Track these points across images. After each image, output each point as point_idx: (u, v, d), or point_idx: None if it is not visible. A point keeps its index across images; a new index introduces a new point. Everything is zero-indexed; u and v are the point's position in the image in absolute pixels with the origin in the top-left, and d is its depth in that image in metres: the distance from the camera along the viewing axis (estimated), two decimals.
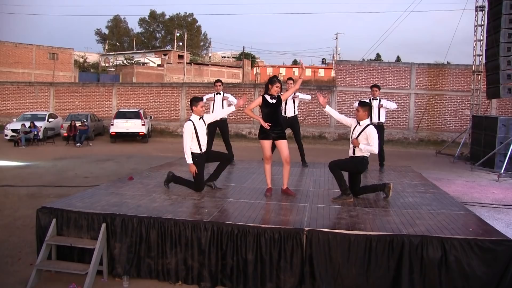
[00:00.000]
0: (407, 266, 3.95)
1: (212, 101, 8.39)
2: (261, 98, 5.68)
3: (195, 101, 5.79)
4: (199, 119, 5.80)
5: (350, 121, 5.71)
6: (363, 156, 5.45)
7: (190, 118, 5.79)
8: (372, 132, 5.36)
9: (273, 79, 5.69)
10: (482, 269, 3.88)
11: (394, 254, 3.99)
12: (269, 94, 5.64)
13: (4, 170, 11.16)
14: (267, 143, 5.67)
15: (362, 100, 6.48)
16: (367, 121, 5.51)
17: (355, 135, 5.47)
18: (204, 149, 5.81)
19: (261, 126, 5.62)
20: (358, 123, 5.52)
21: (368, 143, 5.35)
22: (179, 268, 4.36)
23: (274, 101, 5.63)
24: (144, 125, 18.79)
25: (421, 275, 3.95)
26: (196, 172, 5.71)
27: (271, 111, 5.63)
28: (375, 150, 5.38)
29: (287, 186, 5.75)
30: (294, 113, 8.34)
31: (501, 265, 3.86)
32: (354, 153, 5.51)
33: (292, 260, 4.11)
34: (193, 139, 5.70)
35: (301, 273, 4.10)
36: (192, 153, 5.70)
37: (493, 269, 3.87)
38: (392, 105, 8.54)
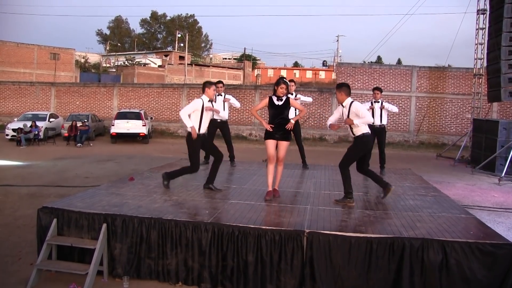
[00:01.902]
0: (407, 269, 3.95)
1: (214, 102, 8.39)
2: (267, 99, 5.71)
3: (208, 83, 6.05)
4: (209, 101, 5.95)
5: (337, 113, 5.75)
6: (363, 133, 5.49)
7: (201, 97, 5.94)
8: (358, 106, 5.49)
9: (278, 81, 5.71)
10: (482, 273, 3.87)
11: (394, 257, 3.99)
12: (276, 96, 5.66)
13: (5, 169, 11.18)
14: (271, 143, 5.67)
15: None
16: (349, 99, 5.57)
17: (345, 116, 5.58)
18: (202, 131, 5.92)
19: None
20: (342, 105, 5.60)
21: (359, 117, 5.41)
22: (180, 269, 4.36)
23: (280, 102, 5.62)
24: (144, 125, 18.80)
25: (422, 278, 3.94)
26: (193, 148, 5.78)
27: (276, 112, 5.63)
28: (369, 119, 5.52)
29: (277, 187, 5.77)
30: (295, 115, 8.32)
31: (502, 269, 3.86)
32: (353, 133, 5.57)
33: (293, 262, 4.11)
34: (195, 116, 5.81)
35: (301, 275, 4.10)
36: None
37: (494, 272, 3.87)
38: (394, 109, 8.55)
